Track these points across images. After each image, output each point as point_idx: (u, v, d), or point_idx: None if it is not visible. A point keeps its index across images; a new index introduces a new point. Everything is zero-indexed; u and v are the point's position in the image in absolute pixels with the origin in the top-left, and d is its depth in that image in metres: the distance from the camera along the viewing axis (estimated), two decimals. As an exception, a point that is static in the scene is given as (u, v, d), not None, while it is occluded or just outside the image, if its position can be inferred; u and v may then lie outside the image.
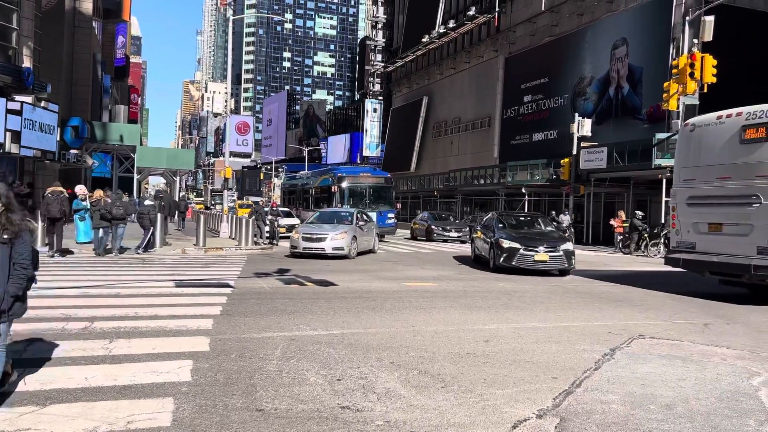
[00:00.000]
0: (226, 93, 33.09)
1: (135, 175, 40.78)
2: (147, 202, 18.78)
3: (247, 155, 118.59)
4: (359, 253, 18.87)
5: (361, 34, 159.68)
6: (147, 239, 17.76)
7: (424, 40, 53.02)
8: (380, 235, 25.33)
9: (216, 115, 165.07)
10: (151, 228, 17.96)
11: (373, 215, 24.52)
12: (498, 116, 44.06)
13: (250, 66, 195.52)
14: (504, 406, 4.60)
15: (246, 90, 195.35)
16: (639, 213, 24.03)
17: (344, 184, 26.94)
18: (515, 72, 42.50)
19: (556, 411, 4.53)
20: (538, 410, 4.53)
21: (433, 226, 28.66)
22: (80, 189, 17.81)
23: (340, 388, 4.96)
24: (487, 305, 9.65)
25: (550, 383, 5.26)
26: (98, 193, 16.94)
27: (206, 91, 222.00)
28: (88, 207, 17.01)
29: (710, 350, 6.77)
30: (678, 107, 21.35)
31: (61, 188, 16.25)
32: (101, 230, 16.23)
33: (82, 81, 40.03)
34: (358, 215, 20.06)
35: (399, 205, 33.76)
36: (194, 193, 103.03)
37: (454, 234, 28.30)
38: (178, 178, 53.03)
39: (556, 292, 11.54)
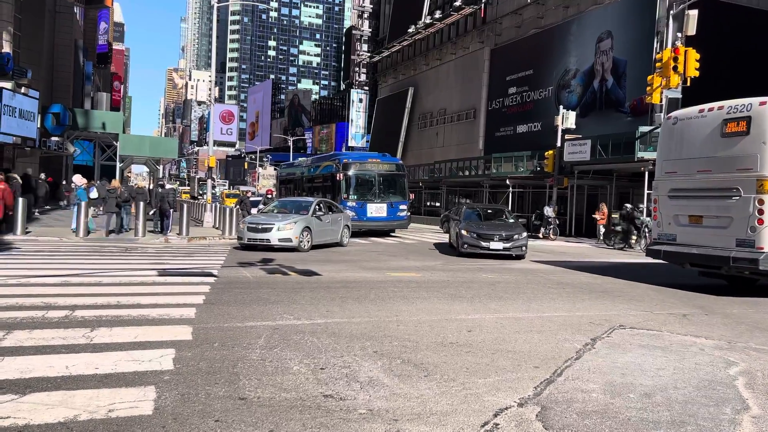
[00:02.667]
0: (210, 81, 32.61)
1: (117, 163, 40.31)
2: (167, 186, 20.57)
3: (231, 144, 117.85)
4: (320, 246, 17.73)
5: (347, 23, 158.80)
6: (166, 222, 19.40)
7: (410, 30, 52.85)
8: (390, 229, 24.68)
9: (200, 103, 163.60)
10: (171, 211, 19.63)
11: (384, 206, 23.45)
12: (483, 108, 44.11)
13: (235, 54, 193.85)
14: (486, 395, 4.64)
15: (231, 79, 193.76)
16: (628, 206, 24.07)
17: (350, 172, 23.75)
18: (501, 64, 42.54)
19: (537, 399, 4.57)
20: (520, 399, 4.58)
21: (464, 231, 16.97)
22: (79, 178, 19.39)
23: (324, 377, 4.97)
24: (470, 295, 9.70)
25: (532, 372, 5.31)
26: (115, 182, 20.35)
27: (190, 79, 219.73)
28: (95, 196, 19.28)
29: (689, 340, 6.87)
30: (661, 100, 21.51)
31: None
32: (113, 214, 18.64)
33: (64, 67, 39.40)
34: (319, 205, 18.64)
35: (412, 195, 30.29)
36: (177, 182, 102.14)
37: (498, 244, 16.65)
38: (161, 166, 52.49)
39: (539, 283, 11.62)
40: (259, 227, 16.63)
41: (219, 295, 8.78)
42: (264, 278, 10.96)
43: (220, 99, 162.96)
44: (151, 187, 44.07)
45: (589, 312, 8.53)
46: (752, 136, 10.27)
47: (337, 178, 23.51)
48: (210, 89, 26.95)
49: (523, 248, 16.71)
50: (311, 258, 14.96)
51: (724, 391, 4.94)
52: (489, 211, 19.94)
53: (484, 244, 16.43)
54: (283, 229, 16.47)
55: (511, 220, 18.54)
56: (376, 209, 23.40)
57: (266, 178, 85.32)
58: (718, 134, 10.93)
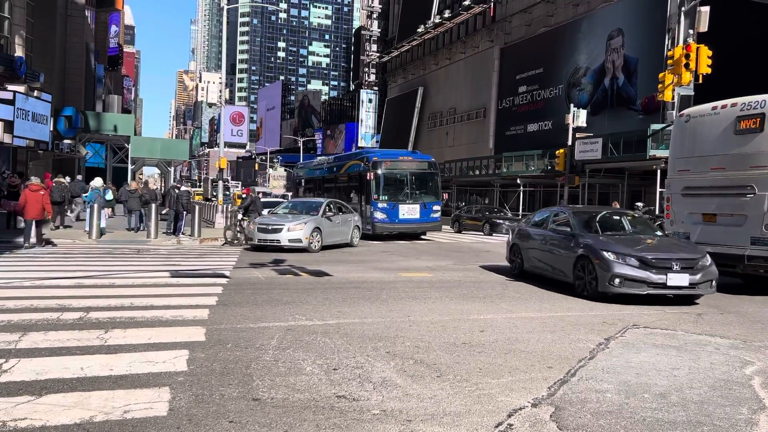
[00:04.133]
0: (220, 83, 32.70)
1: (129, 165, 40.60)
2: (183, 188, 21.00)
3: (242, 146, 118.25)
4: (330, 247, 17.55)
5: (356, 23, 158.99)
6: (179, 224, 19.64)
7: (419, 30, 52.82)
8: (421, 232, 23.21)
9: (210, 105, 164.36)
10: (184, 213, 19.87)
11: (416, 207, 21.94)
12: (493, 107, 44.01)
13: (245, 56, 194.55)
14: (499, 395, 4.63)
15: (240, 80, 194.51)
16: (639, 204, 23.94)
17: (381, 171, 21.80)
18: (510, 62, 42.43)
19: (551, 400, 4.55)
20: (533, 399, 4.56)
21: (609, 254, 9.49)
22: (99, 181, 20.65)
23: (336, 377, 4.97)
24: (482, 295, 9.67)
25: (545, 372, 5.29)
26: (134, 184, 21.26)
27: (200, 81, 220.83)
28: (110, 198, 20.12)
29: (704, 339, 6.82)
30: (673, 98, 21.39)
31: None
32: (134, 213, 20.04)
33: (75, 70, 39.70)
34: (329, 206, 18.46)
35: (446, 196, 27.85)
36: (188, 184, 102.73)
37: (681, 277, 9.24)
38: (172, 168, 52.81)
39: (551, 283, 11.55)
40: (269, 228, 16.49)
41: (231, 296, 8.81)
42: (275, 279, 10.98)
43: (231, 100, 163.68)
44: (162, 188, 44.37)
45: (603, 311, 8.48)
46: (766, 132, 10.18)
47: (367, 178, 21.75)
48: (220, 91, 27.03)
49: (713, 282, 9.43)
50: (322, 259, 14.98)
51: (740, 391, 4.90)
52: (613, 217, 12.05)
53: (656, 278, 9.02)
54: (293, 230, 16.32)
55: (661, 233, 11.36)
56: (408, 210, 21.86)
57: (277, 179, 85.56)
58: (731, 131, 10.83)
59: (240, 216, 19.08)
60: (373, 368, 5.26)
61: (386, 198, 21.64)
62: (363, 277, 11.54)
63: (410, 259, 15.55)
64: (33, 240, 15.10)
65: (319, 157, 36.31)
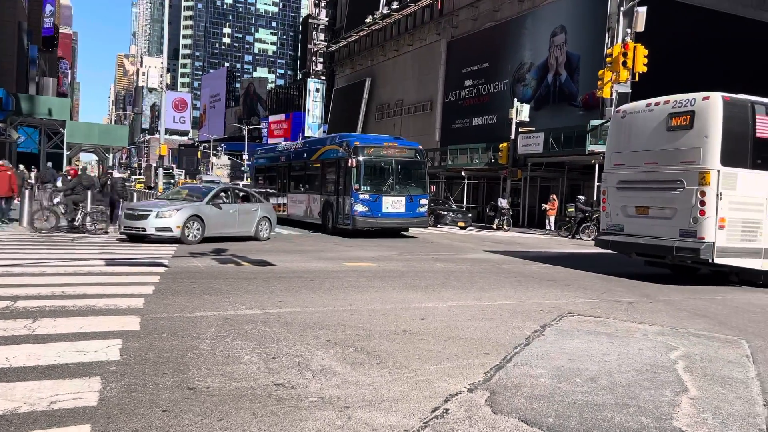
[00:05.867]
0: (162, 68, 31.67)
1: (65, 151, 39.00)
2: (116, 174, 19.74)
3: (185, 133, 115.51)
4: (220, 239, 15.62)
5: (303, 11, 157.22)
6: (116, 212, 18.21)
7: (367, 20, 52.64)
8: (405, 228, 20.76)
9: (152, 90, 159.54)
10: (120, 201, 18.73)
11: (402, 200, 19.46)
12: (440, 100, 44.36)
13: (188, 41, 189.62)
14: (437, 381, 4.70)
15: (184, 66, 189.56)
16: (581, 197, 24.67)
17: (362, 157, 19.09)
18: (457, 56, 42.83)
19: (487, 385, 4.65)
20: (470, 384, 4.65)
21: None
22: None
23: (275, 366, 4.93)
24: (424, 284, 9.78)
25: (483, 359, 5.39)
26: (74, 170, 19.53)
27: (141, 65, 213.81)
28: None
29: (633, 327, 7.10)
30: (611, 95, 22.04)
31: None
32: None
33: (6, 51, 37.79)
34: (224, 192, 16.85)
35: (433, 188, 25.33)
36: (128, 171, 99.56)
37: None
38: (111, 155, 51.04)
39: (492, 272, 11.80)
40: (136, 214, 14.63)
41: (169, 285, 8.61)
42: (216, 268, 10.80)
43: (173, 86, 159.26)
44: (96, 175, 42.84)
45: (539, 300, 8.71)
46: (695, 130, 10.64)
47: (348, 165, 19.02)
48: (162, 76, 26.25)
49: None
50: (266, 248, 14.81)
51: (664, 375, 5.12)
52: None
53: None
54: (163, 217, 14.39)
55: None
56: (393, 203, 19.36)
57: (220, 168, 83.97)
58: (664, 128, 11.27)
59: (58, 199, 16.91)
60: (313, 356, 5.25)
61: (368, 189, 19.06)
62: (307, 267, 11.48)
63: (357, 250, 15.56)
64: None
65: (284, 142, 32.09)
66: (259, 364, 4.94)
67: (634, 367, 5.32)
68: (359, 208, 18.73)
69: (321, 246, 16.14)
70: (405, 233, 21.09)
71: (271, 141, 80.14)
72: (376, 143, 20.26)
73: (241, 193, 17.94)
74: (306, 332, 6.09)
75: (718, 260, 10.44)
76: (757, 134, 10.67)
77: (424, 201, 20.25)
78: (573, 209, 24.63)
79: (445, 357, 5.41)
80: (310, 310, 7.22)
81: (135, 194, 20.23)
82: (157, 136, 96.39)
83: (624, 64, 19.80)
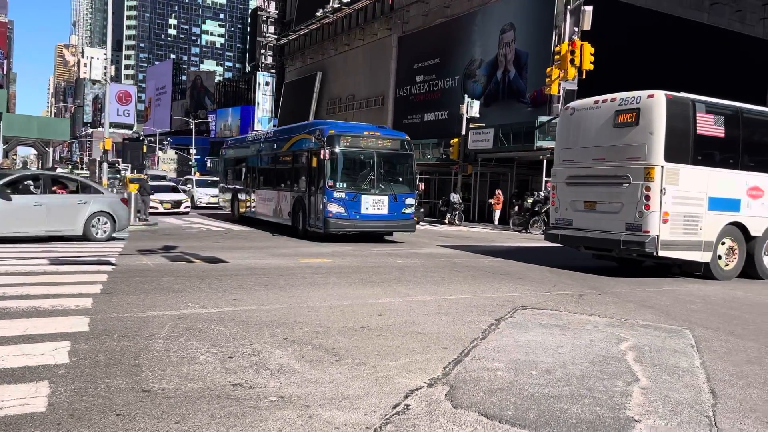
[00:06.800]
0: (105, 59, 30.49)
1: (0, 145, 37.29)
2: (59, 170, 18.48)
3: (129, 126, 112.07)
4: (22, 240, 13.64)
5: (252, 3, 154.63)
6: None
7: (317, 14, 52.24)
8: (389, 232, 18.02)
9: (95, 82, 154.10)
10: None
11: (384, 200, 16.60)
12: (391, 95, 44.46)
13: (132, 32, 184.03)
14: (397, 377, 4.70)
15: (128, 57, 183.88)
16: (541, 193, 25.09)
17: (338, 148, 16.35)
18: (408, 52, 42.98)
19: (446, 379, 4.69)
20: (429, 379, 4.67)
21: None
22: None
23: (232, 365, 4.85)
24: (380, 280, 9.79)
25: (441, 353, 5.43)
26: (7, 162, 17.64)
27: (83, 56, 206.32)
28: None
29: (584, 319, 7.28)
30: (559, 92, 22.53)
31: None
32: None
33: (-65, 38, 35.85)
34: (31, 179, 14.92)
35: (422, 186, 21.54)
36: (70, 166, 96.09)
37: None
38: (51, 149, 49.10)
39: (446, 267, 11.91)
40: None
41: (118, 284, 8.35)
42: (166, 266, 10.53)
43: (117, 78, 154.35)
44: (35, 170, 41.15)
45: (493, 294, 8.85)
46: (641, 126, 10.97)
47: (321, 157, 16.23)
48: (105, 68, 25.37)
49: None
50: (216, 245, 14.55)
51: (616, 366, 5.27)
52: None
53: None
54: None
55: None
56: (374, 204, 16.52)
57: (167, 162, 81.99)
58: (610, 125, 11.58)
59: None
60: (271, 355, 5.18)
61: (345, 186, 16.32)
62: (260, 264, 11.32)
63: (310, 246, 15.43)
64: None
65: (254, 132, 27.92)
66: (216, 364, 4.85)
67: (587, 358, 5.46)
68: (333, 208, 15.98)
69: (274, 242, 15.95)
70: (389, 238, 18.34)
71: (220, 135, 78.75)
72: (355, 132, 17.34)
73: (60, 182, 15.61)
74: (262, 330, 6.00)
75: (662, 253, 10.81)
76: (698, 131, 11.09)
77: (410, 201, 17.39)
78: (532, 202, 24.98)
79: (403, 352, 5.43)
80: (266, 308, 7.12)
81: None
82: (100, 129, 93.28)
83: (572, 61, 20.24)
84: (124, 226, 15.39)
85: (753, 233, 11.66)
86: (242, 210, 23.25)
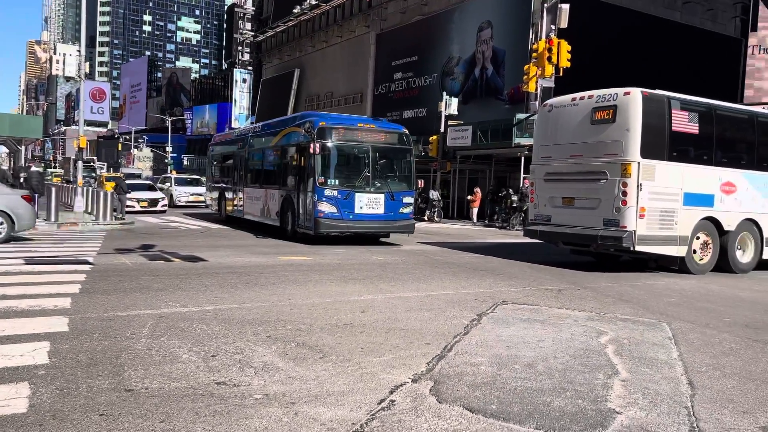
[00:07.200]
0: (79, 56, 29.84)
1: (-30, 142, 36.46)
2: (33, 168, 18.18)
3: (104, 124, 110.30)
4: None
5: (228, 0, 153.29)
6: None
7: (295, 10, 51.94)
8: (385, 234, 16.44)
9: (68, 79, 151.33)
10: (36, 195, 17.21)
11: (380, 198, 15.23)
12: (370, 92, 44.44)
13: (106, 28, 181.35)
14: (381, 373, 4.72)
15: (102, 54, 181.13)
16: (512, 191, 25.26)
17: (330, 142, 15.09)
18: (386, 49, 42.97)
19: (430, 375, 4.72)
20: (414, 375, 4.70)
21: None
22: None
23: (215, 364, 4.82)
24: (362, 277, 9.80)
25: (424, 349, 5.47)
26: None
27: (55, 53, 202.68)
28: None
29: (564, 313, 7.38)
30: (536, 89, 22.76)
31: None
32: None
33: None
34: None
35: (421, 183, 20.36)
36: (43, 164, 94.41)
37: None
38: (24, 147, 48.15)
39: (427, 264, 11.97)
40: None
41: (96, 283, 8.24)
42: (145, 265, 10.42)
43: (91, 75, 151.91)
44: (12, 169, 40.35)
45: (474, 289, 8.91)
46: (617, 123, 11.13)
47: (311, 151, 14.86)
48: (80, 65, 24.96)
49: None
50: (195, 244, 14.43)
51: (596, 359, 5.36)
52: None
53: None
54: None
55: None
56: (369, 202, 15.16)
57: (142, 160, 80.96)
58: (588, 121, 11.73)
59: None
60: (254, 353, 5.16)
61: (337, 183, 15.02)
62: (240, 262, 11.26)
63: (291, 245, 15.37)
64: None
65: (244, 125, 24.22)
66: (199, 363, 4.82)
67: (568, 352, 5.53)
68: (324, 207, 14.63)
69: (254, 241, 15.85)
70: (385, 239, 16.94)
71: (196, 133, 77.92)
72: (348, 124, 16.01)
73: None
74: (245, 329, 5.98)
75: (638, 248, 10.99)
76: (673, 128, 11.29)
77: (409, 199, 15.99)
78: (516, 198, 25.03)
79: (387, 349, 5.45)
80: (248, 306, 7.09)
81: (53, 188, 19.11)
82: (74, 127, 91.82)
83: (549, 59, 20.46)
84: (26, 226, 13.84)
85: (726, 228, 11.91)
86: (229, 209, 22.14)
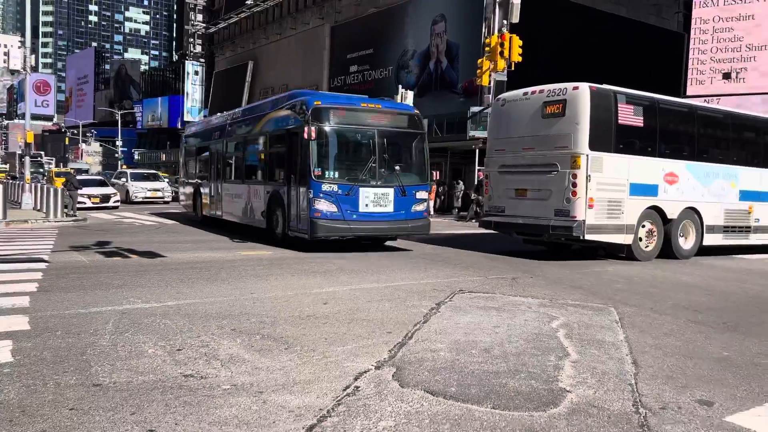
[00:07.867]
0: (21, 47, 28.88)
1: None
2: None
3: (49, 118, 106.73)
4: None
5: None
6: None
7: (248, 2, 51.30)
8: (392, 237, 13.76)
9: (13, 72, 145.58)
10: None
11: (389, 193, 12.55)
12: (325, 85, 44.30)
13: (50, 18, 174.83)
14: (345, 361, 4.90)
15: (45, 45, 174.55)
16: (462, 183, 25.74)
17: (327, 125, 12.36)
18: (341, 41, 42.94)
19: (393, 361, 4.92)
20: (377, 362, 4.89)
21: None
22: None
23: (182, 357, 4.91)
24: (323, 270, 9.94)
25: (386, 337, 5.67)
26: None
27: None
28: None
29: (518, 300, 7.69)
30: (490, 83, 23.17)
31: None
32: None
33: None
34: None
35: (437, 174, 18.03)
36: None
37: None
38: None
39: (386, 255, 12.17)
40: None
41: (54, 281, 8.15)
42: (102, 262, 10.32)
43: (34, 67, 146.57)
44: None
45: (433, 279, 9.17)
46: (567, 117, 11.54)
47: (304, 137, 12.11)
48: (26, 57, 24.19)
49: None
50: (152, 239, 14.28)
51: (548, 342, 5.66)
52: None
53: None
54: None
55: None
56: (376, 198, 12.44)
57: (91, 155, 78.74)
58: (539, 115, 12.11)
59: None
60: (220, 346, 5.26)
61: (337, 175, 12.42)
62: (200, 257, 11.24)
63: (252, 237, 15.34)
64: None
65: (226, 112, 21.12)
66: (165, 357, 4.90)
67: (522, 337, 5.82)
68: (322, 206, 11.99)
69: (213, 236, 15.76)
70: (393, 243, 14.31)
71: (147, 126, 76.20)
72: (349, 104, 13.16)
73: None
74: (209, 323, 6.06)
75: (588, 236, 11.45)
76: (619, 121, 11.77)
77: (422, 195, 13.19)
78: (471, 191, 25.46)
79: (350, 338, 5.63)
80: (211, 301, 7.15)
81: (0, 185, 18.53)
82: (16, 121, 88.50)
83: (501, 53, 20.88)
84: None
85: (669, 216, 12.51)
86: (206, 210, 19.24)
